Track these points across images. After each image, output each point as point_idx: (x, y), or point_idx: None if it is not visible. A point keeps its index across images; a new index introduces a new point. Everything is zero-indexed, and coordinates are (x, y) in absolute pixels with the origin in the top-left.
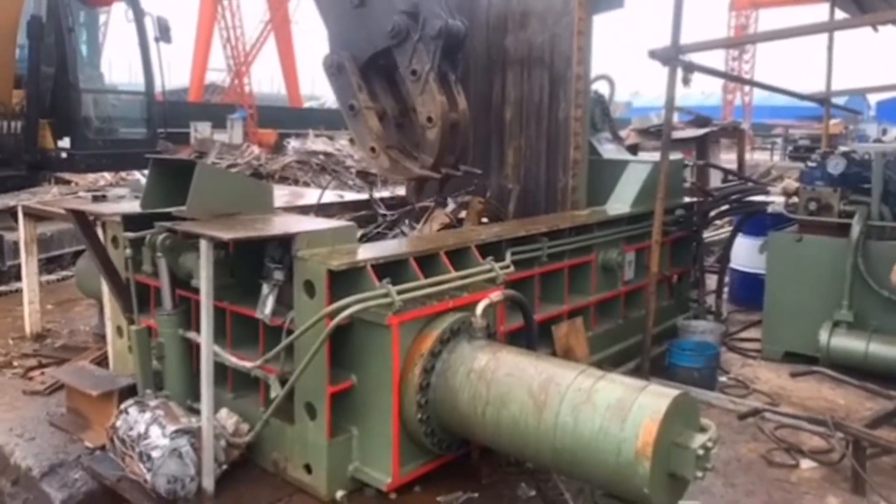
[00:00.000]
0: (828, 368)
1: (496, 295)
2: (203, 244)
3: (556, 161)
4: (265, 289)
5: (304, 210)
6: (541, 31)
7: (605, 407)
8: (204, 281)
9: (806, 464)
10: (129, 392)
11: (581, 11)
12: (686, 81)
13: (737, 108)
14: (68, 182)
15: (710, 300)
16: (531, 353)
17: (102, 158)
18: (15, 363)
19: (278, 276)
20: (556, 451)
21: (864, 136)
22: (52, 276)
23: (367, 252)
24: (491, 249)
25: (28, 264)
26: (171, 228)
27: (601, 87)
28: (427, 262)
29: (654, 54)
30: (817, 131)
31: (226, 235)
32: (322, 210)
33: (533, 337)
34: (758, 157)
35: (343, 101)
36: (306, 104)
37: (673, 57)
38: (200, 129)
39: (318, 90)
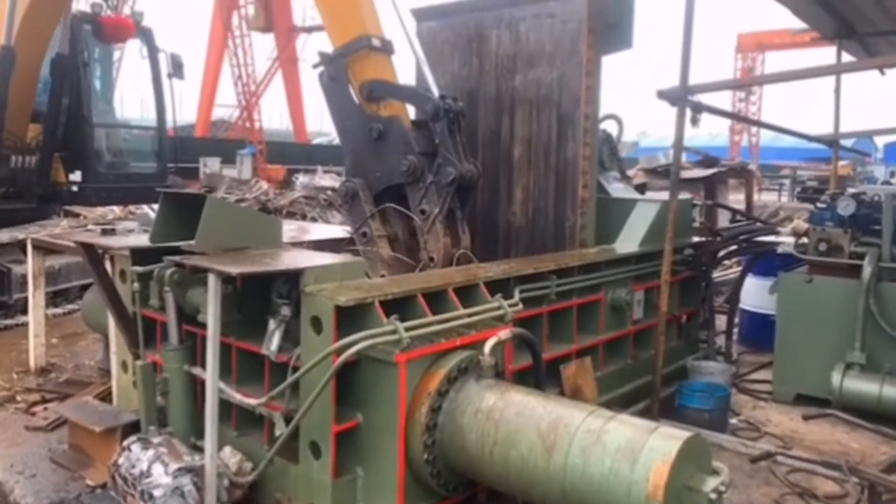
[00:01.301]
0: (840, 411)
1: (505, 333)
2: (211, 279)
3: (565, 199)
4: (272, 324)
5: (317, 245)
6: (549, 70)
7: (616, 448)
8: (211, 316)
9: None
10: (133, 428)
11: (590, 52)
12: (695, 122)
13: (743, 148)
14: (77, 215)
15: (720, 340)
16: (540, 393)
17: (113, 192)
18: (18, 398)
19: (285, 311)
20: (565, 493)
21: (872, 178)
22: (58, 310)
23: (375, 288)
24: (499, 287)
25: (35, 297)
26: (180, 262)
27: (609, 127)
28: (435, 299)
29: (662, 94)
30: (825, 173)
31: (234, 270)
32: (332, 246)
33: (541, 376)
34: (766, 198)
35: (356, 228)
36: (314, 140)
37: (681, 98)
38: (210, 165)
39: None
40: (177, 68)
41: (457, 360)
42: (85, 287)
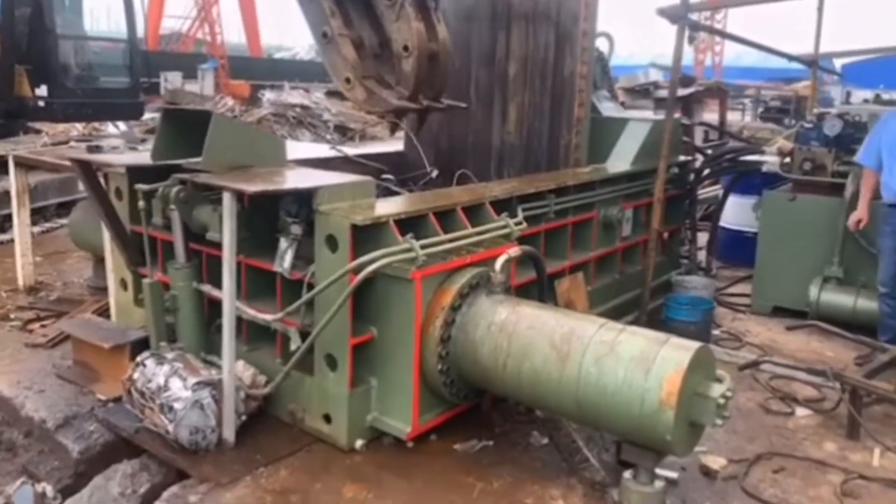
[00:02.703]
0: (817, 321)
1: (514, 250)
2: (226, 197)
3: (560, 118)
4: (283, 243)
5: (312, 164)
6: None
7: (629, 358)
8: (227, 234)
9: (801, 412)
10: (141, 345)
11: None
12: (691, 40)
13: (707, 68)
14: (38, 132)
15: (700, 256)
16: (551, 307)
17: (82, 107)
18: (12, 316)
19: (296, 230)
20: (578, 401)
21: (829, 98)
22: (36, 228)
23: (388, 207)
24: (502, 205)
25: (20, 215)
26: (189, 180)
27: (600, 45)
28: (444, 218)
29: (663, 12)
30: (787, 92)
31: (250, 188)
32: (323, 166)
33: (545, 291)
34: (730, 118)
35: (315, 29)
36: (276, 55)
37: (682, 16)
38: (171, 80)
39: (288, 41)
40: None
41: (469, 277)
42: (63, 205)
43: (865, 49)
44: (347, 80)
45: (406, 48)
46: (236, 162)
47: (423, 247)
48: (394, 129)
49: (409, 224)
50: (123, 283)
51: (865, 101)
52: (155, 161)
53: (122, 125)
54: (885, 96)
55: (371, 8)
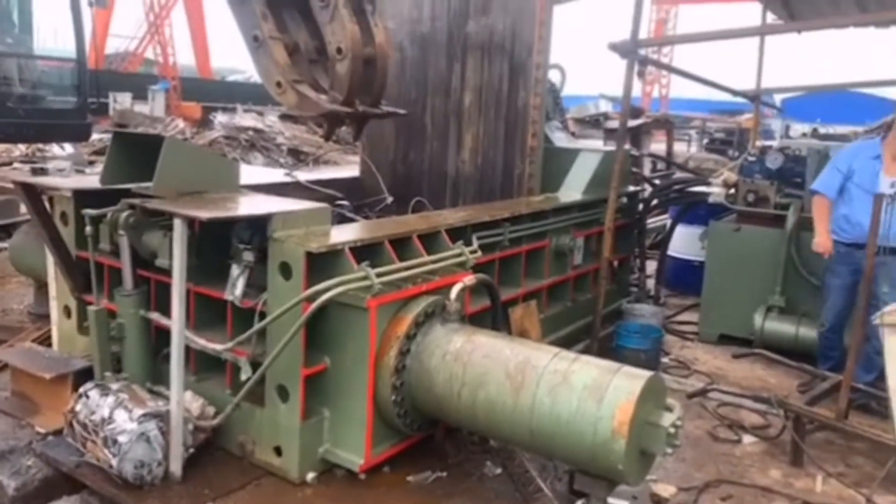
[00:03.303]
0: (762, 350)
1: (470, 279)
2: (178, 224)
3: (514, 147)
4: (235, 270)
5: (263, 190)
6: (503, 17)
7: (582, 387)
8: (177, 261)
9: (748, 439)
10: (85, 375)
11: (543, 0)
12: (640, 74)
13: (654, 100)
14: None
15: (648, 284)
16: (506, 336)
17: (23, 128)
18: None
19: (248, 257)
20: (532, 430)
21: (770, 130)
22: None
23: (343, 234)
24: (458, 234)
25: None
26: (139, 206)
27: (552, 76)
28: (400, 246)
29: (614, 47)
30: (730, 124)
31: (203, 215)
32: (276, 191)
33: (499, 319)
34: (676, 149)
35: (246, 33)
36: (230, 78)
37: (632, 50)
38: (120, 100)
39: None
40: None
41: (424, 305)
42: (2, 228)
43: (803, 85)
44: (279, 84)
45: (339, 50)
46: (188, 187)
47: (378, 275)
48: (329, 135)
49: (365, 252)
50: (67, 311)
51: (804, 134)
52: (104, 185)
53: (67, 146)
54: (822, 130)
55: (310, 12)
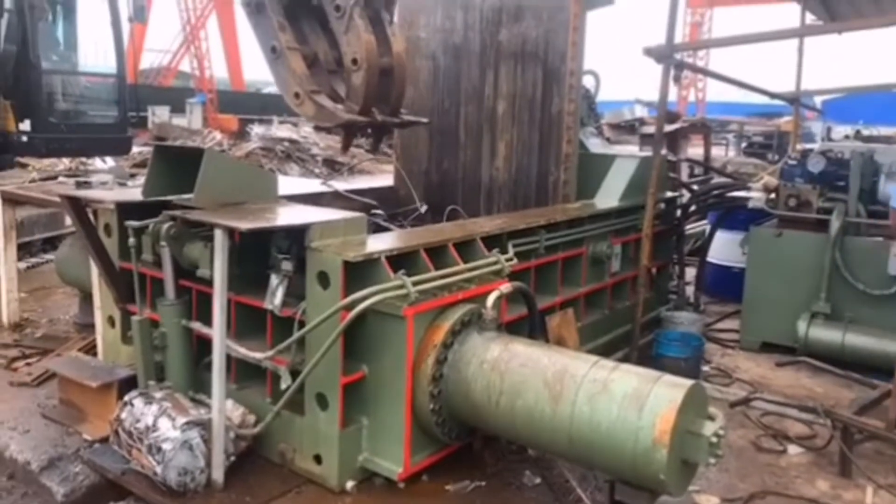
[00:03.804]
0: (807, 358)
1: (506, 287)
2: (218, 234)
3: (549, 154)
4: (274, 280)
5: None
6: (535, 25)
7: (622, 396)
8: (218, 271)
9: (793, 449)
10: (129, 383)
11: (576, 7)
12: (677, 79)
13: (690, 104)
14: (25, 166)
15: (688, 291)
16: (542, 345)
17: (66, 142)
18: None
19: (287, 266)
20: (571, 439)
21: (811, 133)
22: (22, 264)
23: (380, 244)
24: (493, 241)
25: (7, 251)
26: (180, 217)
27: (587, 82)
28: (435, 254)
29: (649, 52)
30: (769, 128)
31: (243, 226)
32: (313, 201)
33: (536, 327)
34: (714, 153)
35: (264, 44)
36: (265, 90)
37: (667, 55)
38: (158, 114)
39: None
40: (138, 11)
41: (460, 314)
42: (49, 240)
43: (844, 87)
44: (296, 95)
45: (355, 61)
46: (228, 198)
47: (414, 283)
48: (347, 145)
49: (401, 260)
50: (111, 321)
51: (846, 136)
52: (146, 197)
53: (109, 160)
54: (865, 132)
55: (329, 23)
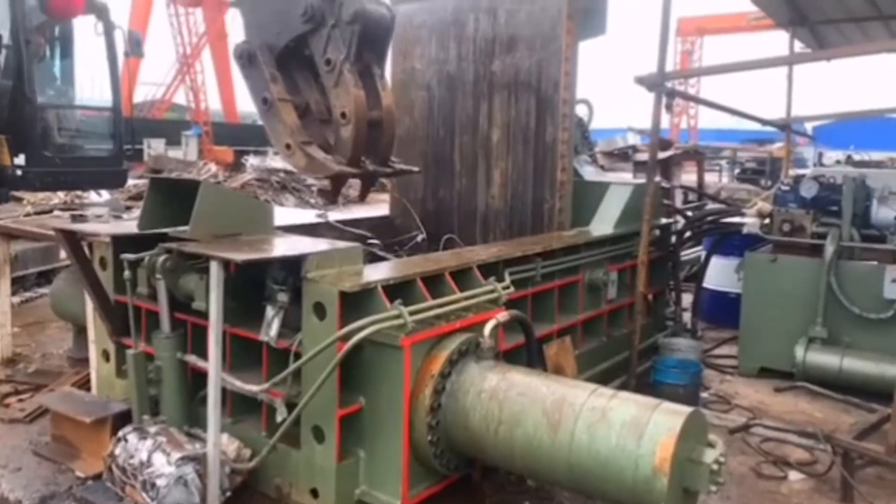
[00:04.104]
0: (805, 383)
1: (503, 315)
2: (214, 266)
3: (543, 182)
4: (269, 311)
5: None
6: (528, 55)
7: (621, 424)
8: (213, 304)
9: (794, 475)
10: (124, 418)
11: (568, 38)
12: (669, 107)
13: (682, 131)
14: (20, 200)
15: (684, 317)
16: (540, 373)
17: (61, 176)
18: None
19: (283, 298)
20: (571, 468)
21: (803, 158)
22: (16, 298)
23: (376, 273)
24: (489, 269)
25: (0, 285)
26: (175, 250)
27: (580, 111)
28: (432, 283)
29: (641, 80)
30: (761, 154)
31: (238, 257)
32: (309, 232)
33: (534, 356)
34: (707, 179)
35: (256, 95)
36: (259, 122)
37: (658, 83)
38: (154, 146)
39: None
40: (135, 46)
41: (458, 343)
42: (42, 274)
43: (834, 112)
44: (287, 147)
45: (344, 115)
46: (223, 229)
47: (411, 313)
48: (335, 195)
49: (398, 290)
50: (106, 354)
51: (838, 161)
52: (142, 230)
53: (104, 193)
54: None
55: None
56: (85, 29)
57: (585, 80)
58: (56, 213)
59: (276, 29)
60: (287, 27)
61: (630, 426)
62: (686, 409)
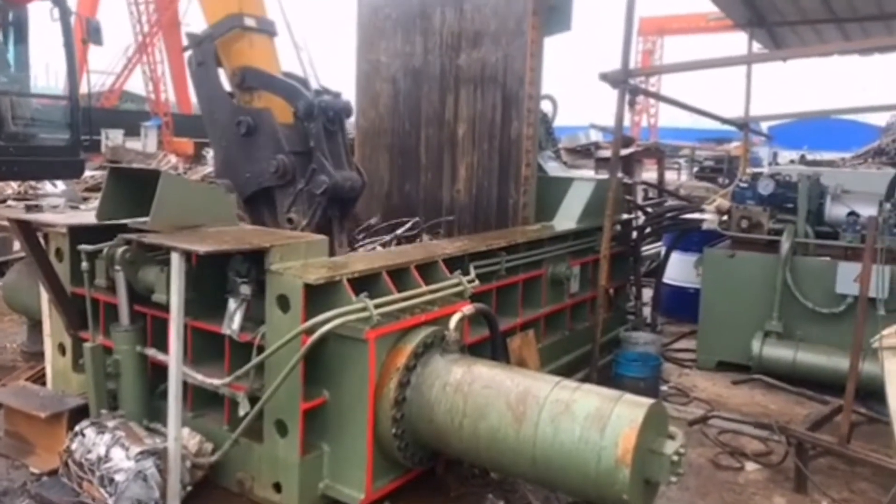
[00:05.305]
0: (761, 376)
1: (468, 308)
2: (175, 258)
3: (508, 177)
4: (232, 304)
5: None
6: (494, 50)
7: (584, 416)
8: (175, 296)
9: (750, 466)
10: (80, 413)
11: (534, 33)
12: (632, 104)
13: (643, 129)
14: None
15: (645, 312)
16: (505, 366)
17: (15, 165)
18: None
19: (245, 290)
20: (534, 461)
21: (758, 158)
22: None
23: (341, 266)
24: (454, 263)
25: None
26: (135, 241)
27: (544, 107)
28: (398, 276)
29: (605, 77)
30: (719, 153)
31: (201, 248)
32: None
33: (499, 349)
34: (667, 177)
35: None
36: None
37: (623, 80)
38: (112, 137)
39: None
40: (93, 33)
41: (423, 336)
42: None
43: (790, 112)
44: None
45: (290, 220)
46: (185, 221)
47: (377, 306)
48: None
49: (363, 283)
50: (62, 348)
51: (792, 161)
52: (100, 220)
53: (60, 184)
54: (809, 157)
55: None
56: (40, 14)
57: (550, 76)
58: (10, 203)
59: (248, 176)
60: (257, 178)
61: (593, 418)
62: (647, 401)
